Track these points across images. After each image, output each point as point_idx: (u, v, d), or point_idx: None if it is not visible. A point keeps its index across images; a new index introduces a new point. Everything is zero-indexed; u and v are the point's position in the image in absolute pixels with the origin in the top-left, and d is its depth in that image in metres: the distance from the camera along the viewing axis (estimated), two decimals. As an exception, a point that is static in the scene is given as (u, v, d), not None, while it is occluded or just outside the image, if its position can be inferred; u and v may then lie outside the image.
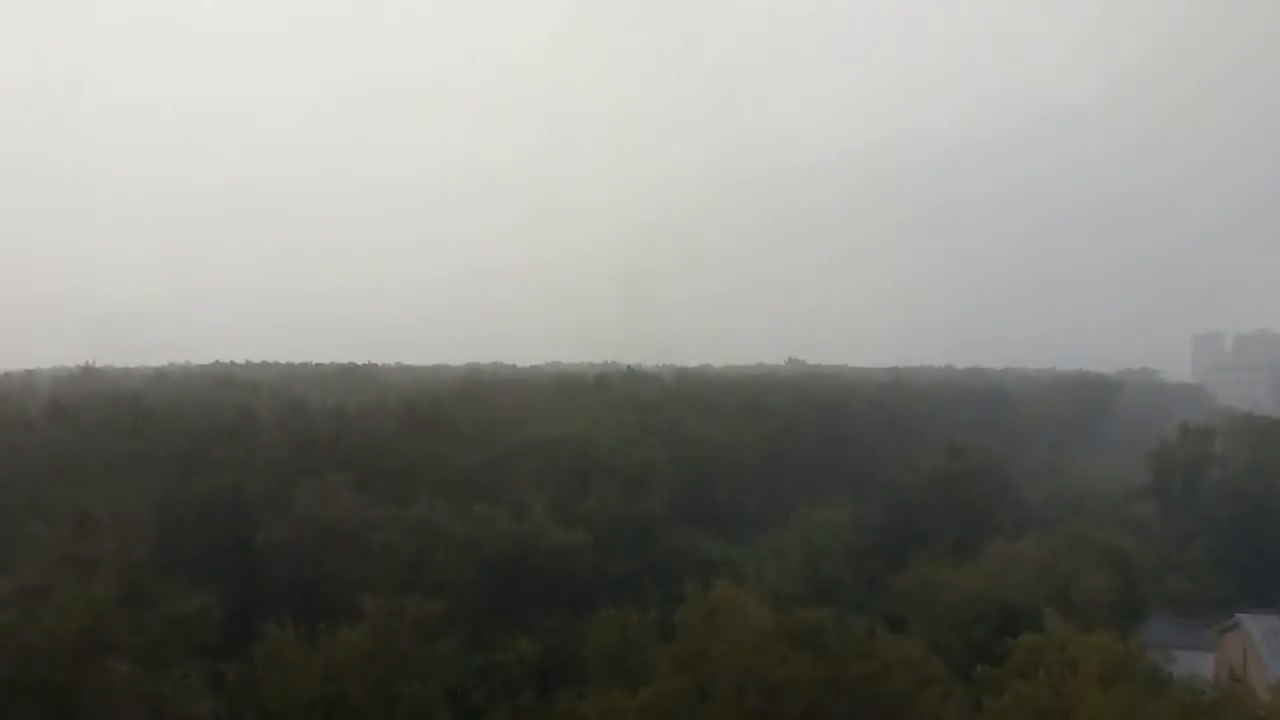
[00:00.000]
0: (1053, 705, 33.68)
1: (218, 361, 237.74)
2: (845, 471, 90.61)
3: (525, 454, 78.46)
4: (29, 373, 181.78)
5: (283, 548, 56.17)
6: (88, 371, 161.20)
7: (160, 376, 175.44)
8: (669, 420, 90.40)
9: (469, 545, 57.60)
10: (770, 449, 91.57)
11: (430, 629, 44.41)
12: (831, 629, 38.41)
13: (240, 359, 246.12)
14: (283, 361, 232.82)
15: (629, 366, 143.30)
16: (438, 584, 51.59)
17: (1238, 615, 49.96)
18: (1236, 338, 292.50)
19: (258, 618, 43.71)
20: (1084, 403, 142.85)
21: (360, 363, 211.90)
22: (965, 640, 44.78)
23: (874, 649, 38.07)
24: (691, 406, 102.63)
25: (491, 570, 56.77)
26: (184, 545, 56.38)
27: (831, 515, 65.60)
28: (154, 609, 44.61)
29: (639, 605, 49.38)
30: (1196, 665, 42.70)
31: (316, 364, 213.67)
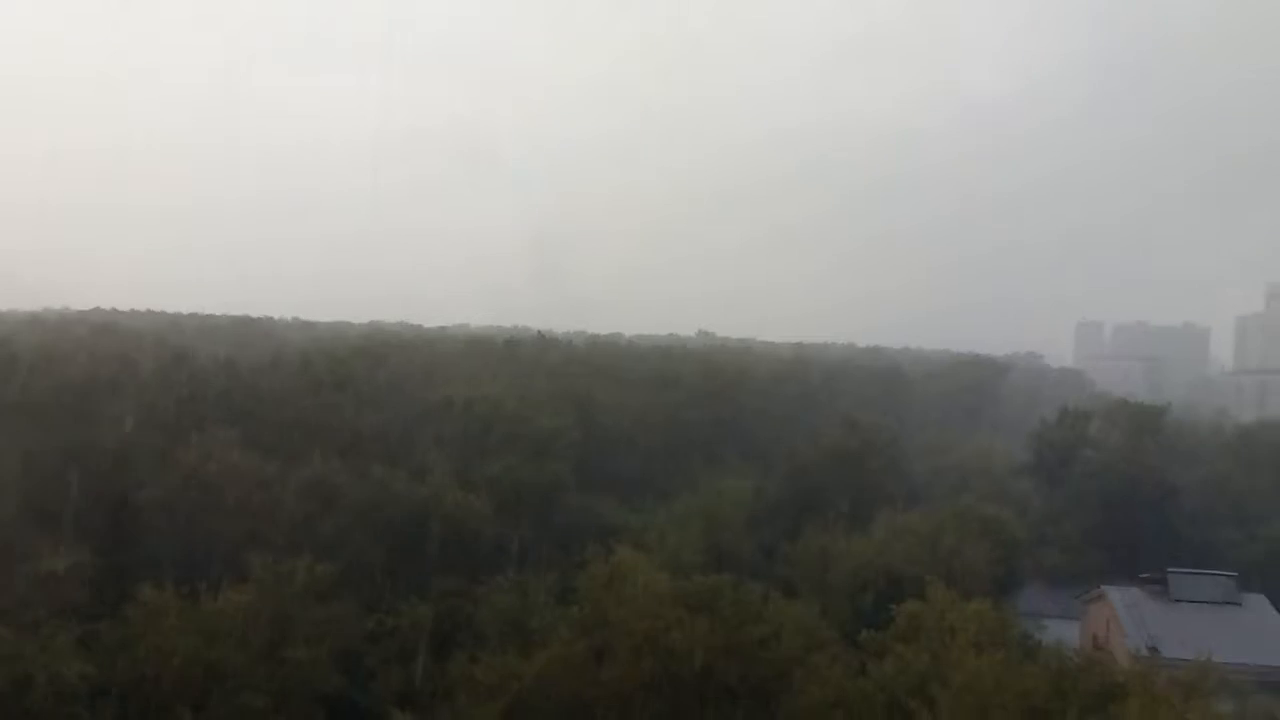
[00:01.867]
0: (931, 668, 35.43)
1: (99, 308, 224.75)
2: (748, 443, 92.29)
3: (429, 417, 78.35)
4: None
5: (165, 505, 54.49)
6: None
7: (35, 322, 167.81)
8: (577, 387, 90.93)
9: (366, 507, 57.04)
10: (676, 419, 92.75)
11: (321, 591, 44.07)
12: (728, 594, 39.63)
13: (124, 307, 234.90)
14: (170, 311, 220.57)
15: (539, 331, 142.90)
16: (331, 546, 50.92)
17: (1103, 587, 52.76)
18: (1116, 327, 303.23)
19: (136, 578, 42.12)
20: (974, 384, 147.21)
21: (255, 316, 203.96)
22: (854, 606, 46.58)
23: (768, 614, 39.43)
24: (601, 374, 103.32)
25: (389, 533, 56.39)
26: (56, 500, 53.87)
27: (733, 485, 67.05)
28: (20, 566, 43.17)
29: (539, 570, 49.99)
30: (1064, 633, 45.06)
31: (206, 315, 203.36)
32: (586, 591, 41.76)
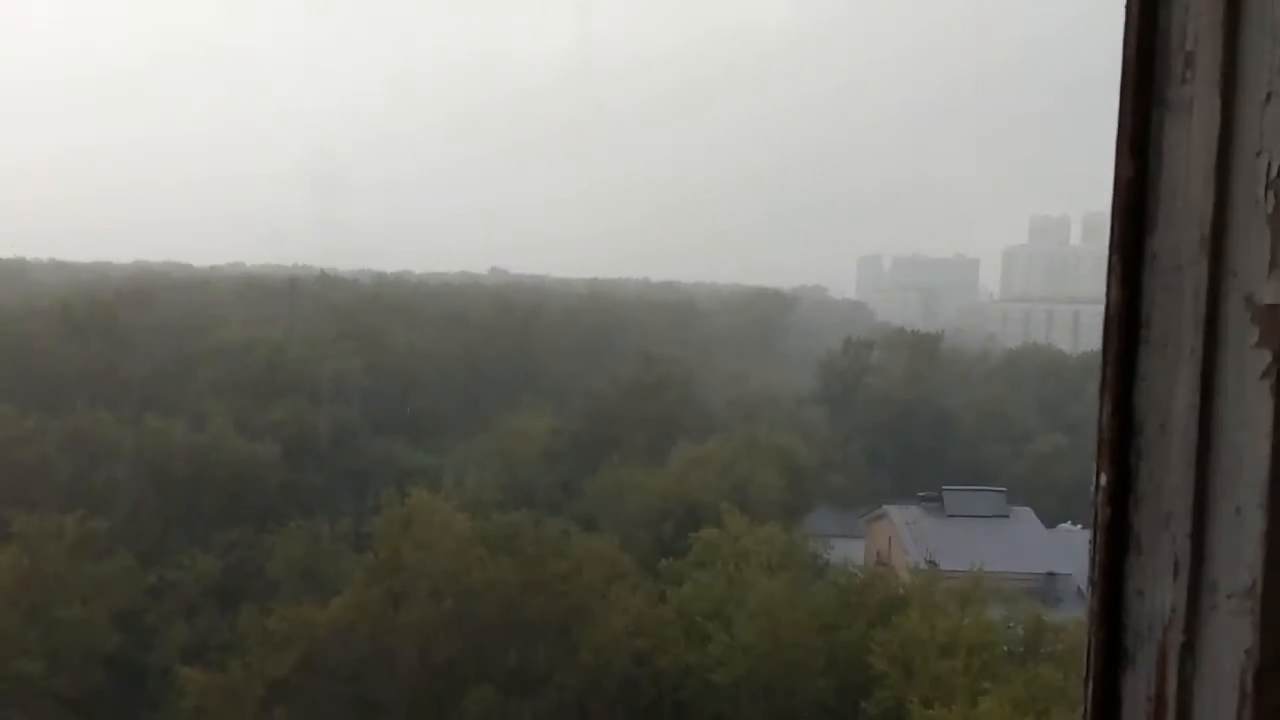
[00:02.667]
0: (727, 592, 36.56)
1: None
2: (545, 380, 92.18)
3: (207, 362, 74.80)
4: None
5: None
6: None
7: None
8: (366, 328, 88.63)
9: (140, 458, 54.50)
10: (471, 358, 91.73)
11: (94, 548, 42.13)
12: (528, 531, 39.73)
13: None
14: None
15: (323, 270, 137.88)
16: (103, 500, 48.63)
17: (885, 506, 55.44)
18: (894, 259, 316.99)
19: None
20: (764, 316, 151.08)
21: (3, 257, 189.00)
22: (653, 536, 47.39)
23: (568, 549, 39.76)
24: (391, 314, 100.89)
25: (167, 484, 54.08)
26: None
27: (530, 423, 66.96)
28: None
29: (332, 516, 48.82)
30: (850, 552, 47.21)
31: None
32: (382, 536, 41.14)
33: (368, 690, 36.29)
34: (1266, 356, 1.24)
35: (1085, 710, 1.43)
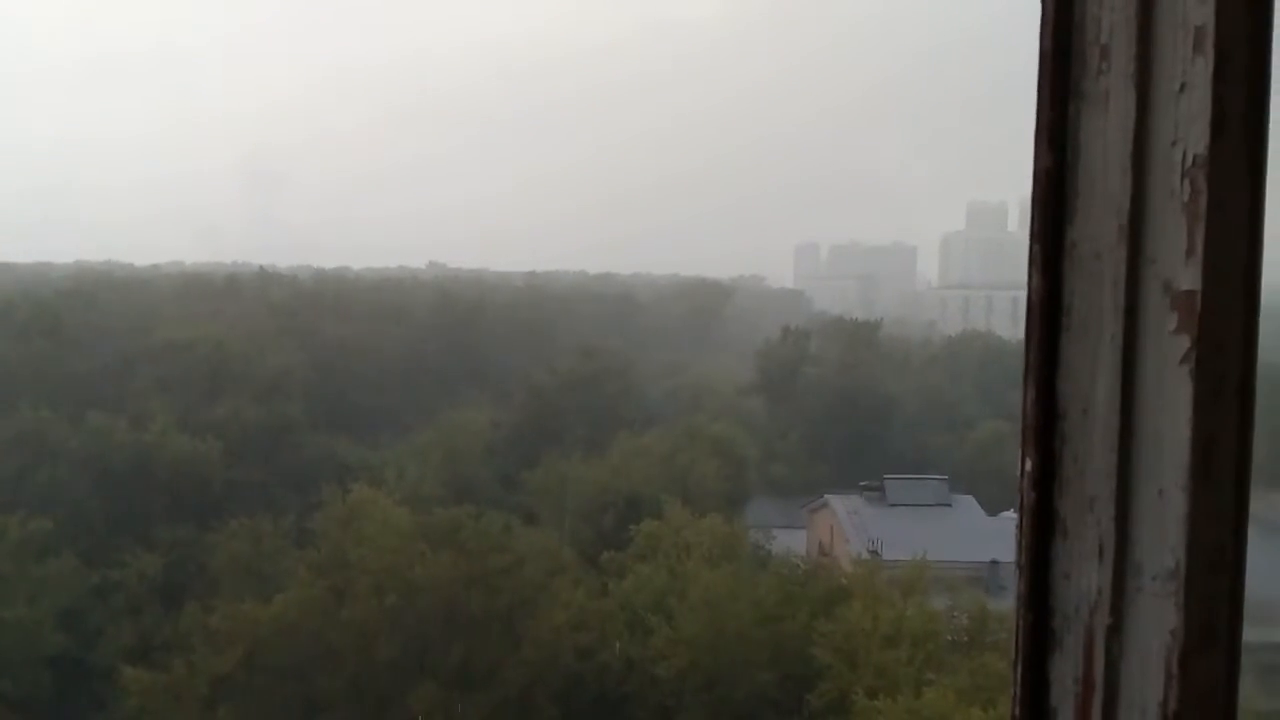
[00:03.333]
0: (669, 585, 36.67)
1: None
2: (485, 374, 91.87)
3: (148, 360, 73.75)
4: None
5: None
6: None
7: None
8: (306, 324, 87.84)
9: (82, 458, 53.93)
10: (411, 353, 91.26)
11: (38, 547, 41.67)
12: (469, 526, 39.55)
13: None
14: None
15: (261, 267, 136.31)
16: (46, 500, 48.17)
17: (826, 496, 55.82)
18: (831, 248, 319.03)
19: None
20: (701, 306, 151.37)
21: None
22: (594, 529, 47.42)
23: (509, 542, 39.67)
24: (330, 310, 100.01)
25: (109, 483, 53.53)
26: None
27: (471, 417, 66.70)
28: None
29: (274, 514, 48.46)
30: (792, 542, 47.43)
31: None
32: (324, 532, 40.92)
33: (311, 687, 36.04)
34: (1185, 342, 1.27)
35: (1015, 693, 1.46)
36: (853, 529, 49.00)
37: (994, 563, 45.44)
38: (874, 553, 41.98)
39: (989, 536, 48.67)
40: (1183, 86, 1.26)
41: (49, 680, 39.45)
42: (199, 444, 56.21)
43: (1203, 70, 1.25)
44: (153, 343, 76.27)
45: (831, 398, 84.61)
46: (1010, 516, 57.17)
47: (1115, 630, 1.33)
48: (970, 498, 55.68)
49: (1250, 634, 1.34)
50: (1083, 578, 1.35)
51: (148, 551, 46.81)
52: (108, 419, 56.67)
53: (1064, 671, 1.39)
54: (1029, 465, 1.40)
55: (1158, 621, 1.29)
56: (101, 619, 43.27)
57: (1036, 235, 1.39)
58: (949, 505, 54.05)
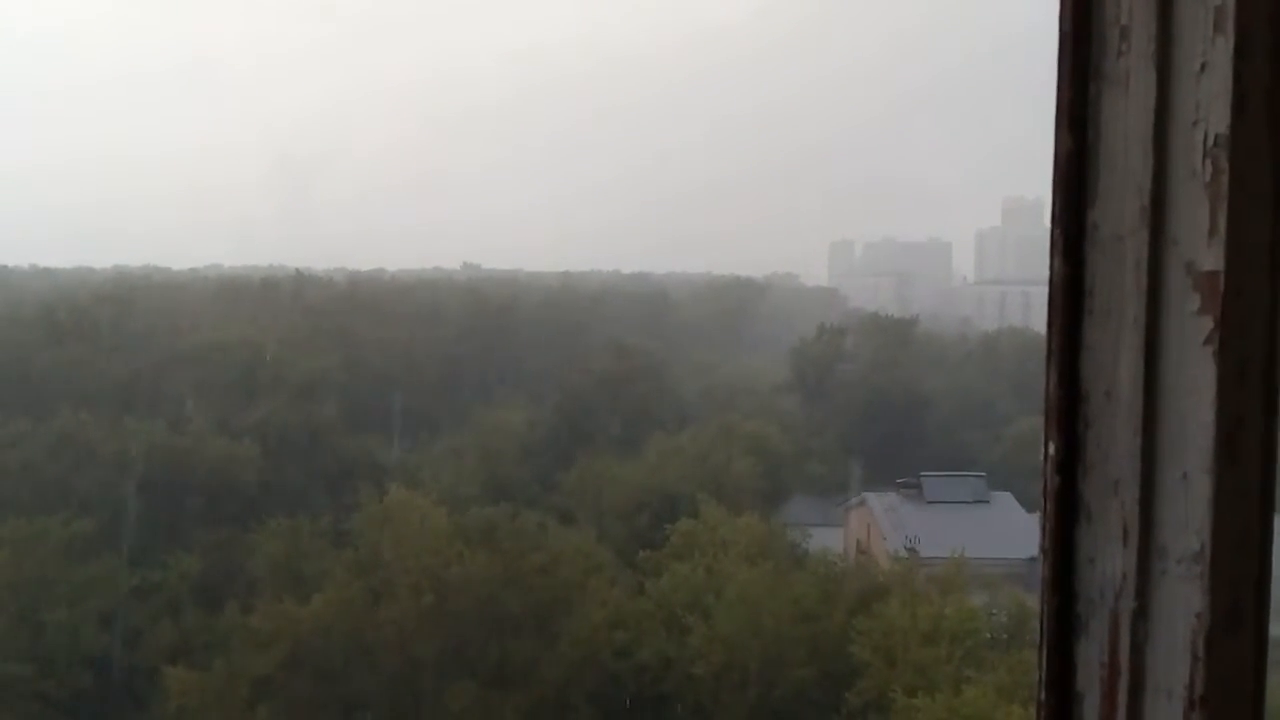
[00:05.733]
0: (706, 583, 36.61)
1: None
2: (520, 374, 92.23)
3: (185, 363, 74.61)
4: None
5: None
6: None
7: None
8: (341, 325, 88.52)
9: (122, 460, 54.47)
10: (446, 353, 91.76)
11: (80, 550, 42.19)
12: (506, 525, 39.71)
13: None
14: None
15: (297, 270, 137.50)
16: (87, 502, 48.79)
17: (863, 494, 55.58)
18: (865, 245, 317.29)
19: None
20: (736, 305, 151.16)
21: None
22: (629, 528, 47.42)
23: (545, 542, 39.80)
24: (365, 311, 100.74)
25: (148, 486, 54.12)
26: None
27: (506, 417, 66.95)
28: None
29: (311, 514, 48.83)
30: (829, 540, 47.29)
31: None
32: (361, 533, 41.18)
33: (350, 687, 36.32)
34: (1208, 323, 1.26)
35: (1040, 678, 1.45)
36: (890, 526, 48.74)
37: (1033, 559, 44.85)
38: (912, 550, 41.72)
39: (1028, 533, 48.21)
40: (1203, 66, 1.26)
41: (91, 681, 39.88)
42: (236, 446, 56.72)
43: (1223, 49, 1.24)
44: (190, 345, 77.18)
45: (867, 395, 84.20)
46: (1049, 513, 56.99)
47: (1141, 614, 1.32)
48: (1008, 494, 55.21)
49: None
50: (1107, 562, 1.35)
51: (187, 553, 47.23)
52: (146, 422, 57.34)
53: (1090, 656, 1.39)
54: (1052, 449, 1.40)
55: (1183, 605, 1.29)
56: (142, 620, 43.66)
57: (1058, 218, 1.39)
58: (987, 502, 53.65)
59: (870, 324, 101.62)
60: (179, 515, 53.08)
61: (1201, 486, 1.27)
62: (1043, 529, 1.43)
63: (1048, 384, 1.41)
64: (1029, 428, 74.59)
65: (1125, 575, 1.33)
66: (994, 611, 35.76)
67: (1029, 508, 54.93)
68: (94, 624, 40.40)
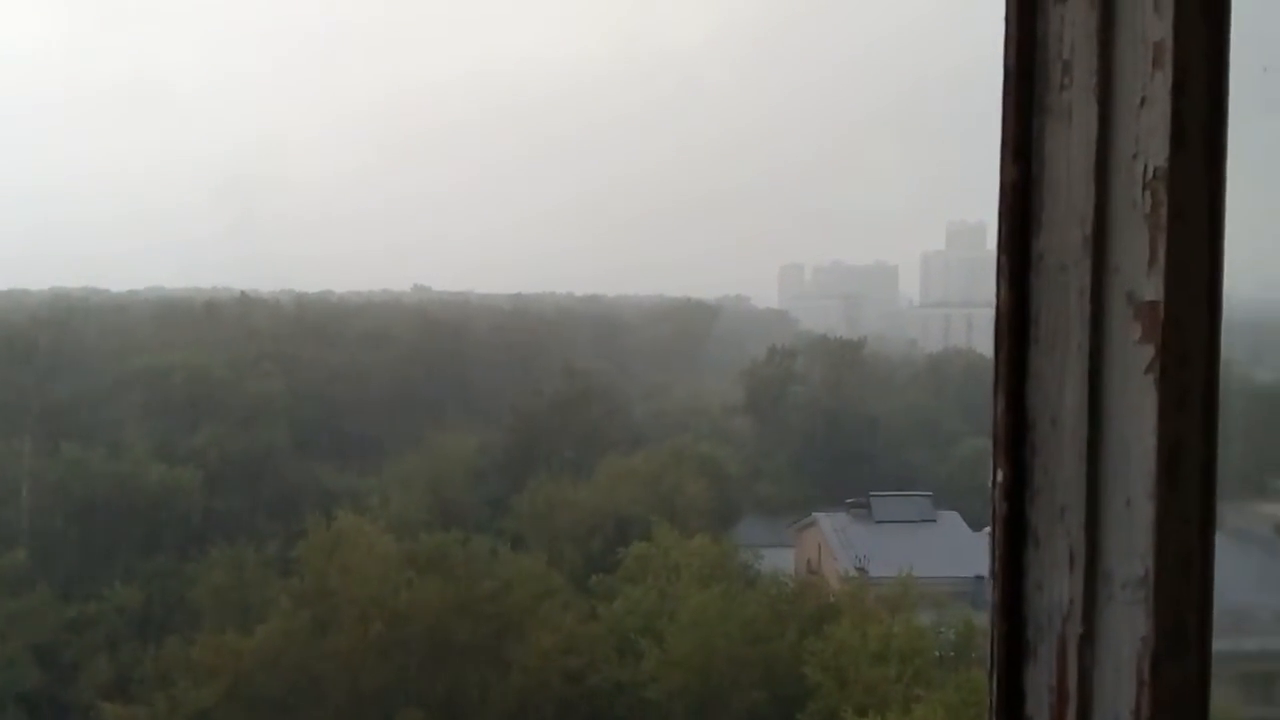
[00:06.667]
0: (659, 606, 36.56)
1: None
2: (471, 398, 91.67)
3: (126, 387, 73.41)
4: None
5: None
6: None
7: None
8: (287, 349, 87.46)
9: (58, 487, 53.34)
10: (395, 377, 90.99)
11: (11, 582, 41.19)
12: (456, 551, 39.36)
13: None
14: None
15: (242, 292, 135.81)
16: (20, 532, 47.88)
17: (813, 514, 55.79)
18: (815, 268, 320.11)
19: None
20: (688, 327, 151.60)
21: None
22: (582, 552, 47.24)
23: (497, 567, 39.50)
24: (312, 334, 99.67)
25: (87, 514, 52.96)
26: None
27: (456, 441, 66.47)
28: None
29: (257, 542, 48.08)
30: (780, 561, 47.38)
31: None
32: (308, 561, 40.58)
33: (296, 719, 35.71)
34: (1149, 351, 1.29)
35: (991, 703, 1.46)
36: (840, 547, 49.00)
37: (979, 577, 45.33)
38: (861, 570, 41.98)
39: (974, 551, 48.62)
40: (1143, 100, 1.29)
41: (25, 719, 38.86)
42: (178, 472, 55.73)
43: (1162, 84, 1.27)
44: (130, 369, 75.78)
45: (817, 416, 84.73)
46: (995, 532, 57.48)
47: (1087, 639, 1.34)
48: (955, 513, 55.73)
49: (1224, 643, 1.36)
50: (1055, 587, 1.37)
51: (126, 583, 46.22)
52: (84, 448, 56.17)
53: (1039, 681, 1.40)
54: (1000, 476, 1.42)
55: (1129, 629, 1.30)
56: (79, 654, 42.56)
57: (1004, 247, 1.41)
58: (934, 521, 54.10)
59: (820, 346, 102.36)
60: (118, 545, 51.94)
61: (1145, 512, 1.29)
62: (992, 554, 1.44)
63: (995, 411, 1.43)
64: (974, 448, 75.38)
65: (1072, 600, 1.35)
66: (942, 630, 36.00)
67: (975, 526, 55.52)
68: (27, 660, 39.23)
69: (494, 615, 36.56)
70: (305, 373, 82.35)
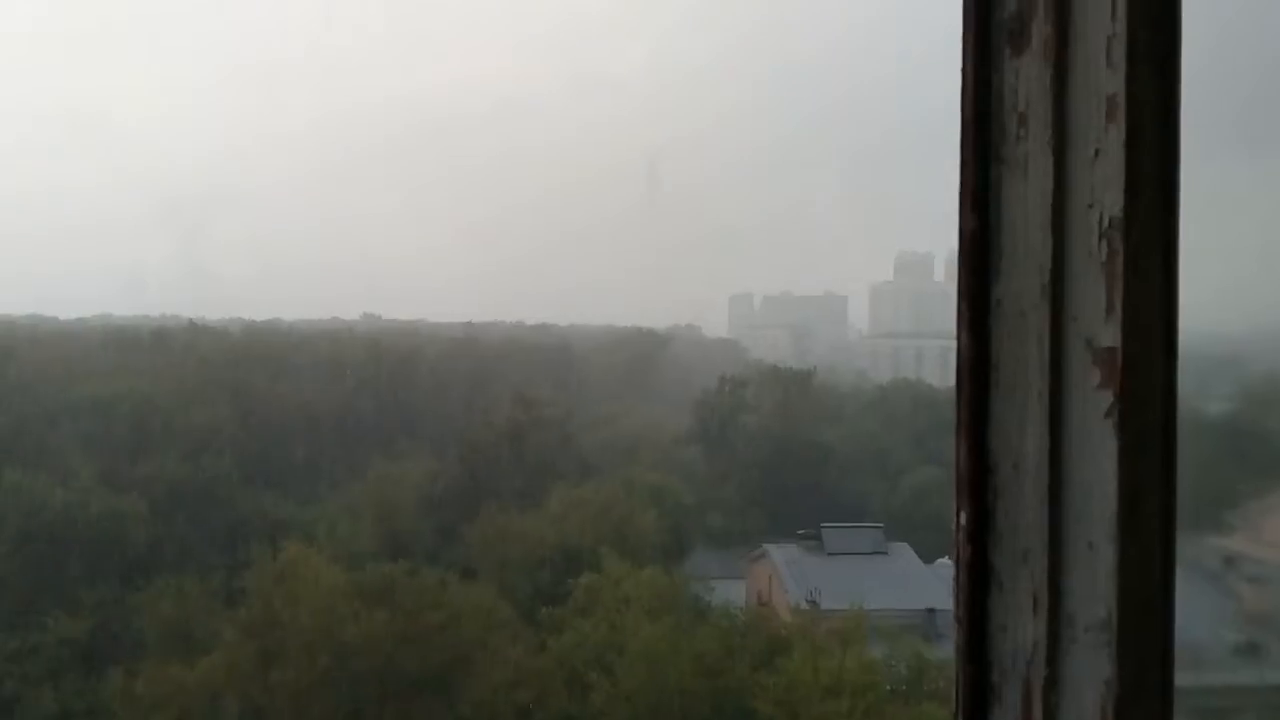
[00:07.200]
0: (608, 639, 36.33)
1: None
2: (420, 427, 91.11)
3: (72, 416, 72.24)
4: None
5: None
6: None
7: None
8: (236, 377, 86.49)
9: (1, 516, 52.60)
10: (344, 406, 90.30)
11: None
12: (404, 583, 38.94)
13: None
14: None
15: (190, 320, 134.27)
16: (-41, 562, 47.04)
17: (764, 546, 55.82)
18: (764, 297, 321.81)
19: None
20: (638, 356, 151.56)
21: None
22: (532, 583, 46.90)
23: (445, 599, 39.07)
24: (261, 363, 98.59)
25: (28, 543, 52.08)
26: None
27: (405, 470, 65.95)
28: None
29: (202, 573, 47.44)
30: (731, 593, 47.26)
31: None
32: (254, 591, 40.03)
33: (241, 753, 35.11)
34: (1108, 397, 1.31)
35: (956, 747, 1.47)
36: (791, 578, 48.99)
37: (930, 610, 45.58)
38: (813, 602, 41.95)
39: (925, 583, 48.99)
40: (1097, 152, 1.32)
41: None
42: (124, 501, 54.97)
43: (1116, 137, 1.30)
44: (77, 397, 74.70)
45: (768, 446, 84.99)
46: (946, 564, 57.75)
47: (1052, 682, 1.35)
48: (905, 545, 55.98)
49: (1178, 678, 1.38)
50: (1019, 630, 1.38)
51: (69, 614, 45.47)
52: (28, 476, 55.26)
53: (1004, 724, 1.41)
54: (964, 519, 1.43)
55: (1093, 672, 1.32)
56: (19, 686, 41.85)
57: (964, 293, 1.43)
58: (885, 553, 54.27)
59: (770, 375, 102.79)
60: (62, 574, 51.06)
61: (1107, 555, 1.31)
62: (956, 598, 1.45)
63: (958, 455, 1.44)
64: (925, 478, 75.98)
65: (1036, 644, 1.36)
66: (893, 663, 36.05)
67: (926, 558, 55.81)
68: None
69: (443, 648, 36.18)
70: (253, 401, 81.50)
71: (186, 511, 59.94)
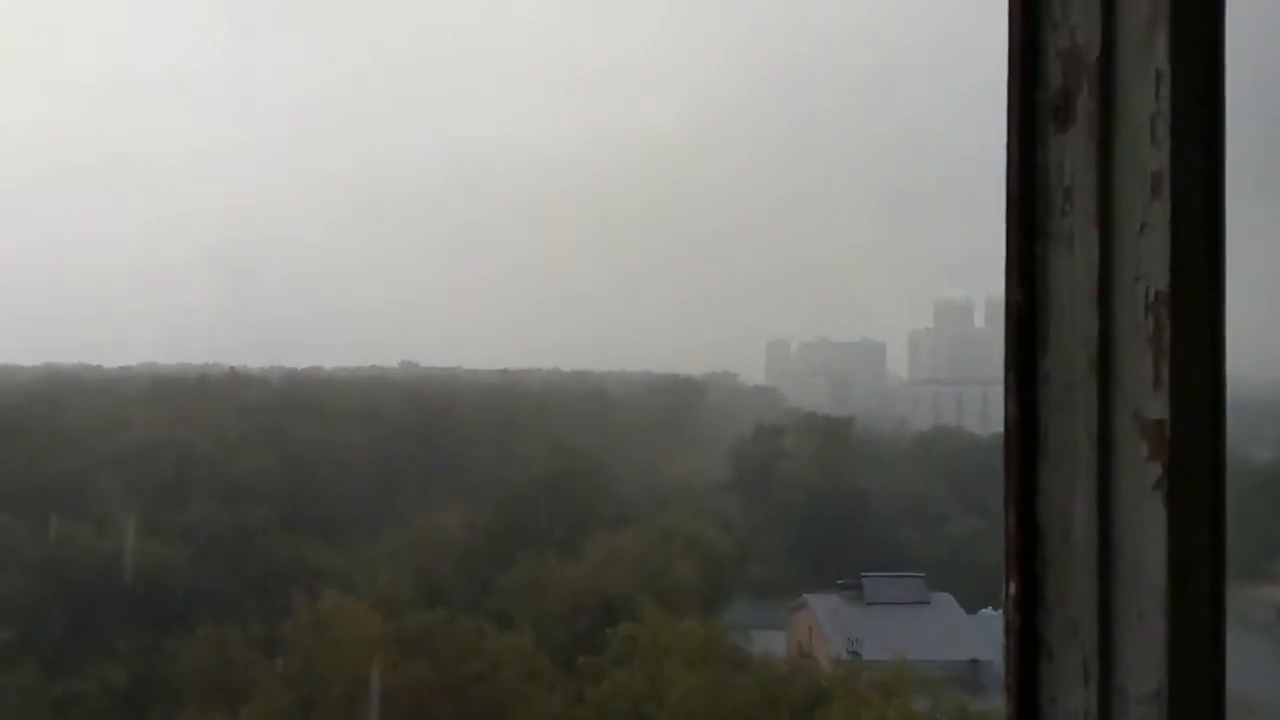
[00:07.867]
0: (646, 690, 36.00)
1: None
2: (458, 475, 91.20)
3: (116, 464, 73.03)
4: None
5: None
6: None
7: None
8: (276, 425, 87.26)
9: (45, 565, 53.07)
10: (384, 454, 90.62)
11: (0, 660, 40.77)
12: (442, 631, 38.93)
13: None
14: None
15: (232, 368, 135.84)
16: (6, 609, 47.41)
17: (804, 596, 55.22)
18: (801, 344, 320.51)
19: None
20: (675, 404, 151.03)
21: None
22: (569, 632, 46.62)
23: (483, 648, 39.02)
24: (301, 411, 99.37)
25: (72, 591, 52.59)
26: None
27: (443, 518, 66.02)
28: None
29: (242, 621, 47.63)
30: (771, 643, 46.74)
31: None
32: (293, 640, 40.14)
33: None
34: (1157, 469, 1.32)
35: (1007, 816, 1.47)
36: (832, 629, 48.43)
37: (974, 661, 44.84)
38: (854, 653, 41.46)
39: (968, 635, 48.19)
40: (1143, 227, 1.34)
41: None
42: (165, 550, 55.43)
43: (1161, 212, 1.33)
44: (120, 446, 75.59)
45: (807, 495, 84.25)
46: (989, 614, 56.85)
47: (1104, 753, 1.35)
48: (948, 595, 55.19)
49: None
50: (1069, 700, 1.38)
51: (112, 662, 45.79)
52: (72, 525, 55.90)
53: (1056, 795, 1.41)
54: (1013, 588, 1.44)
55: None
56: (62, 733, 42.16)
57: (1011, 365, 1.45)
58: (927, 603, 53.55)
59: (808, 423, 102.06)
60: (105, 622, 51.49)
61: (1157, 627, 1.31)
62: (1006, 667, 1.46)
63: (1007, 524, 1.46)
64: (966, 528, 75.05)
65: (1087, 714, 1.36)
66: (937, 716, 35.47)
67: (969, 608, 54.93)
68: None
69: (480, 697, 36.07)
70: (293, 449, 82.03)
71: (226, 559, 60.26)
